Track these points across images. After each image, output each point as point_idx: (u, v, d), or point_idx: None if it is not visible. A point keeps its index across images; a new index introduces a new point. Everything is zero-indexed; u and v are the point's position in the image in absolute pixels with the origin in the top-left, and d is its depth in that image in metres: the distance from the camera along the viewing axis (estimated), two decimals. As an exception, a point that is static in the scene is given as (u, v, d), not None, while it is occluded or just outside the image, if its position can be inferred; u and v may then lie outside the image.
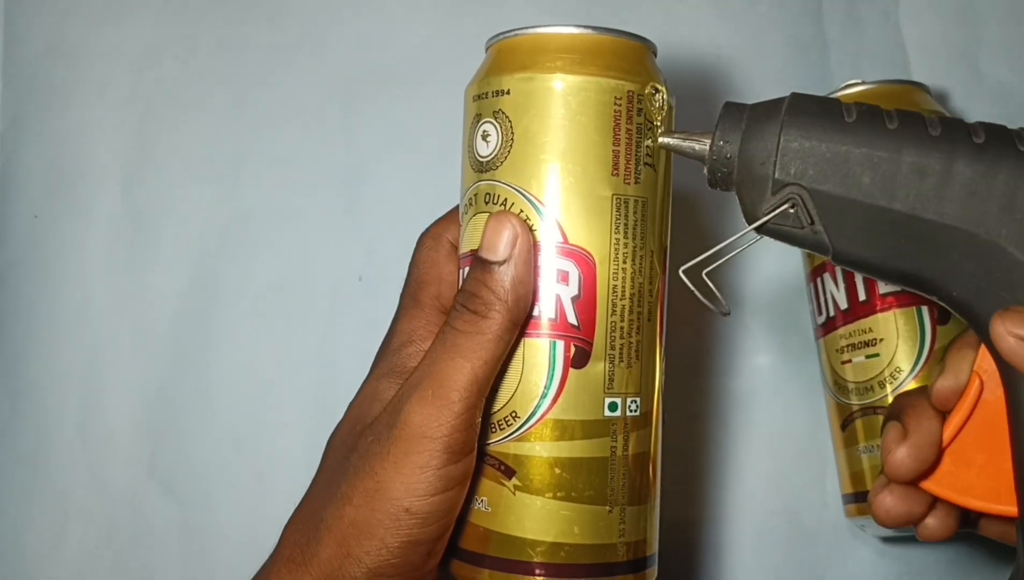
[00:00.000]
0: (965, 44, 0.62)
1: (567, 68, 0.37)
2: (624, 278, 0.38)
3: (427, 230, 0.44)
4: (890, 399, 0.49)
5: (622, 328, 0.38)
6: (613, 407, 0.37)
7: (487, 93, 0.38)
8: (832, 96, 0.51)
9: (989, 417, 0.36)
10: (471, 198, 0.39)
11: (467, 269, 0.38)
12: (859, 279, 0.51)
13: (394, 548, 0.36)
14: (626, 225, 0.37)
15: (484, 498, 0.38)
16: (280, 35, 0.59)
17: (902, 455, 0.37)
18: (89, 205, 0.58)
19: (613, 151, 0.37)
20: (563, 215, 0.37)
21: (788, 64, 0.61)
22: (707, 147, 0.37)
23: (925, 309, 0.49)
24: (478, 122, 0.39)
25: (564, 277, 0.37)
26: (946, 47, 0.62)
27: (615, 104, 0.37)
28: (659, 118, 0.38)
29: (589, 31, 0.38)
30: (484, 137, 0.38)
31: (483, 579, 0.38)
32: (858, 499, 0.51)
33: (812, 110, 0.35)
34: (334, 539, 0.37)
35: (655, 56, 0.40)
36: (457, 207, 0.44)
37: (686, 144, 0.37)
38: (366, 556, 0.36)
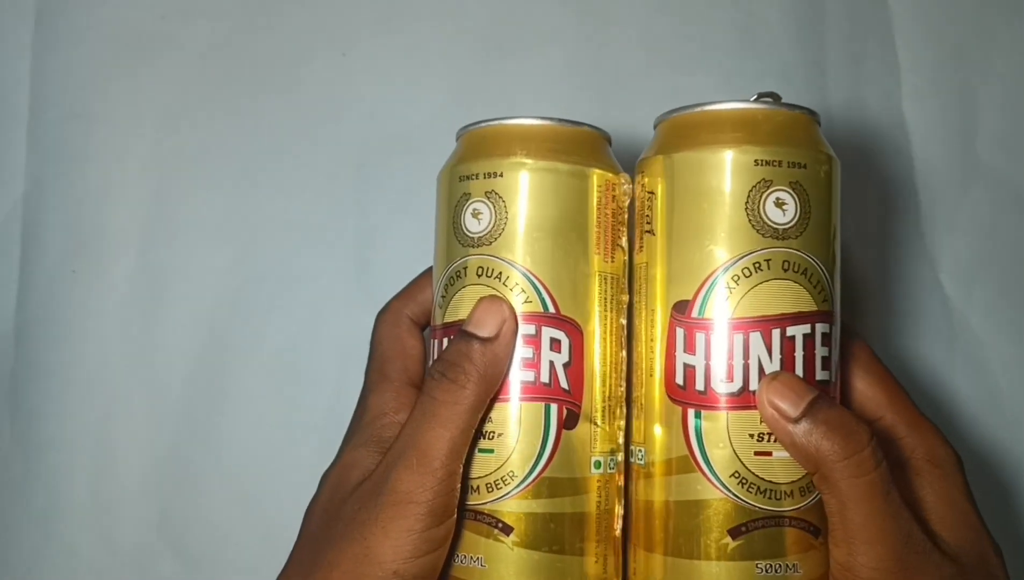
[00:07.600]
0: (964, 129, 0.65)
1: (557, 157, 0.41)
2: (604, 346, 0.42)
3: (385, 307, 0.46)
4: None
5: (603, 392, 0.41)
6: (597, 465, 0.41)
7: (477, 174, 0.41)
8: None
9: None
10: (458, 271, 0.41)
11: (447, 338, 0.41)
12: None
13: None
14: (605, 299, 0.42)
15: (480, 556, 0.40)
16: (294, 104, 0.60)
17: None
18: (107, 267, 0.59)
19: (596, 232, 0.42)
20: (555, 288, 0.41)
21: None
22: None
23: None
24: (467, 201, 0.41)
25: (557, 345, 0.40)
26: (945, 130, 0.65)
27: (598, 191, 0.42)
28: (626, 204, 0.43)
29: (571, 125, 0.42)
30: (475, 215, 0.41)
31: (481, 635, 0.40)
32: None
33: None
34: None
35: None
36: (413, 284, 0.46)
37: None
38: None
